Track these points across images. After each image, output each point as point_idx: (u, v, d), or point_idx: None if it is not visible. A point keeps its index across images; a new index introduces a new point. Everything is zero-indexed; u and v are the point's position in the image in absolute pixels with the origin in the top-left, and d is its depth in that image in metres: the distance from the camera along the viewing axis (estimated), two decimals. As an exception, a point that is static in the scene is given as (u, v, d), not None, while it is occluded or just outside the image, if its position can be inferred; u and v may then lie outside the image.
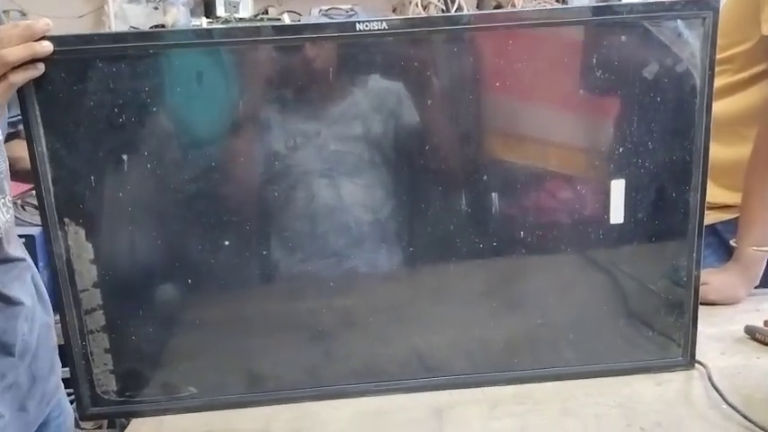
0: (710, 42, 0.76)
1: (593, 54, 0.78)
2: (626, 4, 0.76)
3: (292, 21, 2.44)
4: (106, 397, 0.83)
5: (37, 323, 0.91)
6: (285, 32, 0.75)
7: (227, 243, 0.81)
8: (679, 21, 0.76)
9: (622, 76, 0.78)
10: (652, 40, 0.77)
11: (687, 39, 0.76)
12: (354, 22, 0.73)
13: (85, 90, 0.74)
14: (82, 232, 0.78)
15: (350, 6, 2.50)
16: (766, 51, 1.03)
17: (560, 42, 0.78)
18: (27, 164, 0.77)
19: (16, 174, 0.90)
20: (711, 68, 0.77)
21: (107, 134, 0.76)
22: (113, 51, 0.74)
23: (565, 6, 1.95)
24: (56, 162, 0.76)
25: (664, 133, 0.80)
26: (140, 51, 0.74)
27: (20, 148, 0.87)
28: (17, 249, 0.89)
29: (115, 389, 0.83)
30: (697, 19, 0.76)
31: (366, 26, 0.73)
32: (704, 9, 0.76)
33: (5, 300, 0.85)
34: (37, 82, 0.73)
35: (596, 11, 0.77)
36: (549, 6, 2.37)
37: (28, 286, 0.91)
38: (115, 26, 2.44)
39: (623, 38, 0.77)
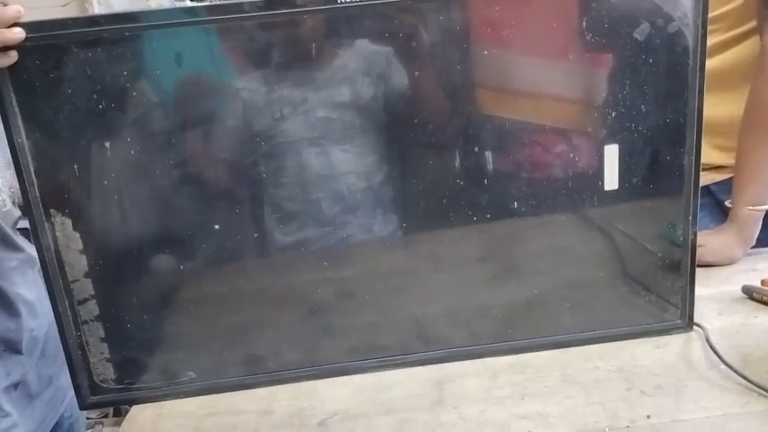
0: (703, 1, 0.74)
1: (583, 16, 0.76)
2: (615, -36, 0.73)
3: None
4: (105, 385, 0.83)
5: (46, 319, 0.90)
6: (271, 8, 0.72)
7: (217, 227, 0.79)
8: (670, -21, 0.74)
9: (613, 37, 0.76)
10: (643, 1, 0.74)
11: (678, -2, 0.74)
12: (336, -5, 0.71)
13: (63, 77, 0.72)
14: (69, 223, 0.77)
15: None
16: (755, 8, 1.02)
17: (550, 3, 0.76)
18: None
19: None
20: (704, 28, 0.75)
21: (88, 121, 0.74)
22: (89, 36, 0.71)
23: None
24: (37, 153, 0.74)
25: (657, 95, 0.78)
26: (116, 34, 0.71)
27: None
28: (19, 241, 0.88)
29: (113, 377, 0.83)
30: (688, -24, 0.74)
31: (348, -2, 0.71)
32: (696, -34, 0.73)
33: (9, 295, 0.84)
34: (11, 70, 0.71)
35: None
36: None
37: (31, 279, 0.90)
38: (99, 13, 2.40)
39: (613, -1, 0.75)
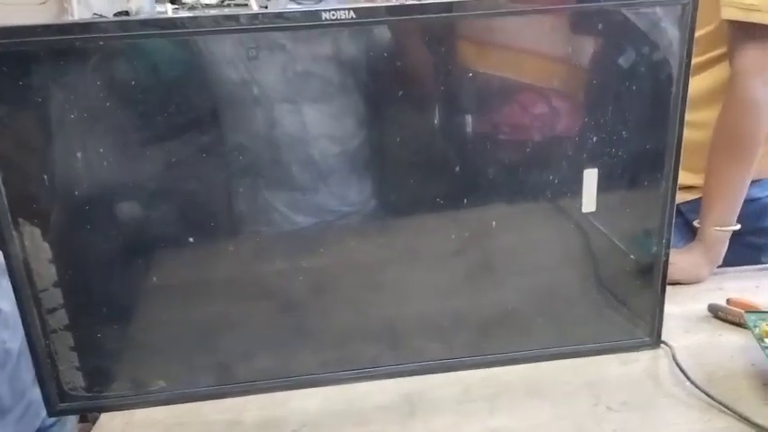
0: (689, 31, 0.74)
1: (568, 41, 0.75)
2: (604, -9, 0.72)
3: (260, 6, 2.33)
4: (74, 393, 0.82)
5: (20, 331, 0.88)
6: (248, 23, 0.70)
7: (191, 240, 0.78)
8: (658, 8, 0.73)
9: (597, 63, 0.76)
10: (630, 28, 0.74)
11: (665, 27, 0.74)
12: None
13: (32, 85, 0.69)
14: (38, 232, 0.74)
15: None
16: (726, 35, 1.02)
17: (537, 29, 0.75)
18: None
19: None
20: (688, 57, 0.75)
21: (58, 130, 0.72)
22: (60, 44, 0.68)
23: None
24: (5, 161, 0.71)
25: (638, 122, 0.78)
26: (89, 43, 0.69)
27: None
28: None
29: (83, 385, 0.82)
30: (676, 6, 0.73)
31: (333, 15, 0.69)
32: (683, -4, 0.73)
33: None
34: (-22, 77, 0.68)
35: (576, -3, 0.74)
36: None
37: (5, 290, 0.87)
38: (78, 12, 2.32)
39: (600, 25, 0.74)
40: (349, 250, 0.83)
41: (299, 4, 2.29)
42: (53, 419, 0.95)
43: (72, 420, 1.07)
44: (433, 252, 0.84)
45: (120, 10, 2.36)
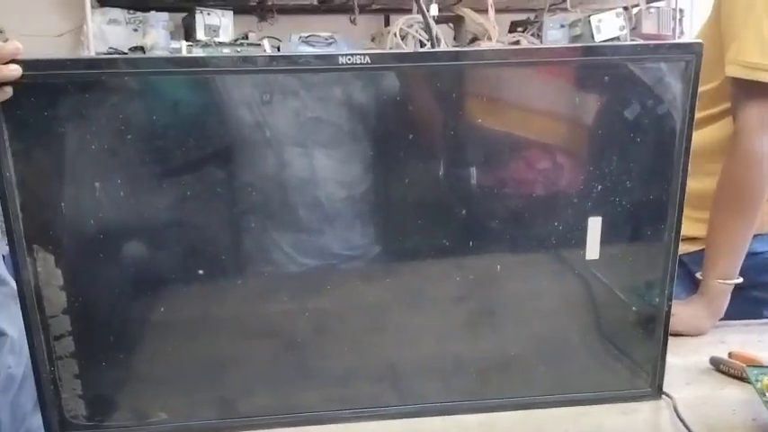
0: (692, 86, 0.76)
1: (575, 93, 0.77)
2: (612, 46, 0.75)
3: (272, 47, 2.41)
4: (75, 421, 0.82)
5: (24, 357, 0.89)
6: (266, 64, 0.73)
7: (201, 272, 0.79)
8: (663, 64, 0.76)
9: (603, 115, 0.78)
10: (635, 82, 0.76)
11: (669, 82, 0.77)
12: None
13: (56, 115, 0.72)
14: (51, 259, 0.76)
15: (329, 34, 2.48)
16: (730, 91, 1.05)
17: (544, 80, 0.78)
18: None
19: None
20: (692, 111, 0.78)
21: (79, 161, 0.74)
22: (86, 77, 0.71)
23: (552, 46, 1.98)
24: (24, 188, 0.73)
25: (642, 173, 0.80)
26: (114, 78, 0.71)
27: None
28: (2, 272, 0.86)
29: (85, 414, 0.82)
30: (680, 62, 0.76)
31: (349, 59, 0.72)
32: (687, 53, 0.76)
33: None
34: (5, 106, 0.70)
35: (584, 51, 0.76)
36: (525, 41, 2.41)
37: (14, 316, 0.88)
38: (94, 46, 2.39)
39: (606, 78, 0.76)
40: (353, 292, 0.84)
41: (311, 46, 2.36)
42: None
43: None
44: (437, 296, 0.85)
45: (135, 45, 2.42)
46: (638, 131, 0.79)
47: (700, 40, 0.76)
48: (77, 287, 0.78)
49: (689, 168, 0.81)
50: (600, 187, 0.80)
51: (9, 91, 0.69)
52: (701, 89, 0.78)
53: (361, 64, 0.72)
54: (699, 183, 0.96)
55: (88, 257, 0.78)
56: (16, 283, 0.76)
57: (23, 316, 0.77)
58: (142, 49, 2.33)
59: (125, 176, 0.75)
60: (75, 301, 0.78)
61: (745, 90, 1.02)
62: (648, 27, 2.94)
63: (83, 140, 0.73)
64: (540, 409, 0.88)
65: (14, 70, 0.68)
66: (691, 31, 3.20)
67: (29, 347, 0.79)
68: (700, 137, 0.90)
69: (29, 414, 0.91)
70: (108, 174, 0.75)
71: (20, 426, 0.89)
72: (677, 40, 2.56)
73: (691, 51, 0.76)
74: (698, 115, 0.79)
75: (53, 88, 0.71)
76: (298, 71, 0.73)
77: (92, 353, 0.80)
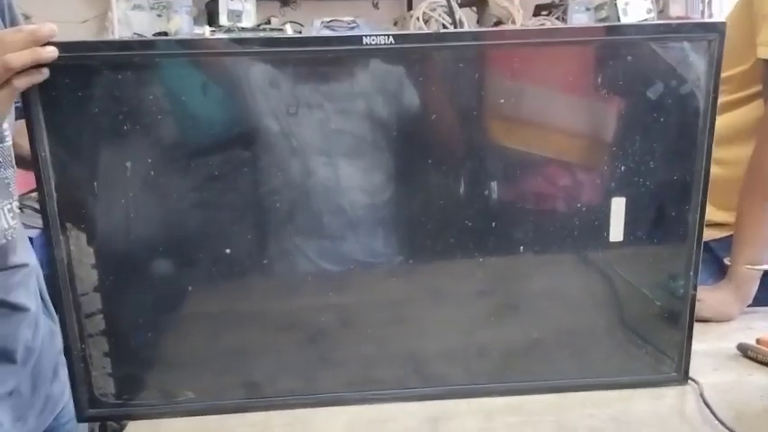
0: (715, 65, 0.76)
1: (598, 73, 0.78)
2: (634, 25, 0.76)
3: (294, 32, 2.44)
4: (104, 399, 0.84)
5: (41, 329, 0.91)
6: (293, 45, 0.75)
7: (228, 251, 0.81)
8: (686, 43, 0.76)
9: (627, 95, 0.78)
10: (658, 61, 0.77)
11: (693, 61, 0.77)
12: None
13: (90, 96, 0.74)
14: (83, 237, 0.78)
15: (351, 18, 2.51)
16: (761, 73, 1.05)
17: (567, 59, 0.78)
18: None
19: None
20: (715, 91, 0.78)
21: (111, 141, 0.76)
22: (119, 59, 0.73)
23: (576, 26, 1.97)
24: (59, 167, 0.76)
25: (666, 153, 0.80)
26: (147, 60, 0.74)
27: None
28: (23, 255, 0.89)
29: (113, 392, 0.84)
30: (703, 42, 0.76)
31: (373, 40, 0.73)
32: (711, 32, 0.76)
33: (9, 306, 0.85)
34: (41, 87, 0.73)
35: (607, 30, 0.77)
36: (550, 24, 2.41)
37: (32, 291, 0.91)
38: (118, 32, 2.44)
39: (629, 58, 0.77)
40: (377, 291, 0.86)
41: (334, 30, 2.39)
42: (67, 418, 0.97)
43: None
44: (462, 290, 0.86)
45: (158, 31, 2.46)
46: (661, 111, 0.79)
47: (723, 20, 0.76)
48: (109, 266, 0.80)
49: (717, 153, 0.81)
50: (623, 168, 0.81)
51: (45, 72, 0.72)
52: (730, 72, 0.78)
53: (385, 44, 0.74)
54: (727, 168, 0.95)
55: (119, 237, 0.80)
56: (49, 261, 0.78)
57: (55, 294, 0.79)
58: (166, 34, 2.37)
59: (156, 157, 0.77)
60: (107, 279, 0.80)
61: None
62: (676, 10, 2.89)
63: (115, 121, 0.75)
64: (565, 393, 0.88)
65: (51, 52, 0.71)
66: (720, 14, 3.12)
67: (60, 325, 0.81)
68: (729, 120, 0.90)
69: (48, 382, 0.93)
70: (139, 154, 0.77)
71: (41, 394, 0.92)
72: (700, 19, 2.53)
73: (714, 30, 0.76)
74: (727, 99, 0.79)
75: (88, 70, 0.74)
76: (322, 52, 0.75)
77: (121, 331, 0.82)
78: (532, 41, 0.76)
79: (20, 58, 0.69)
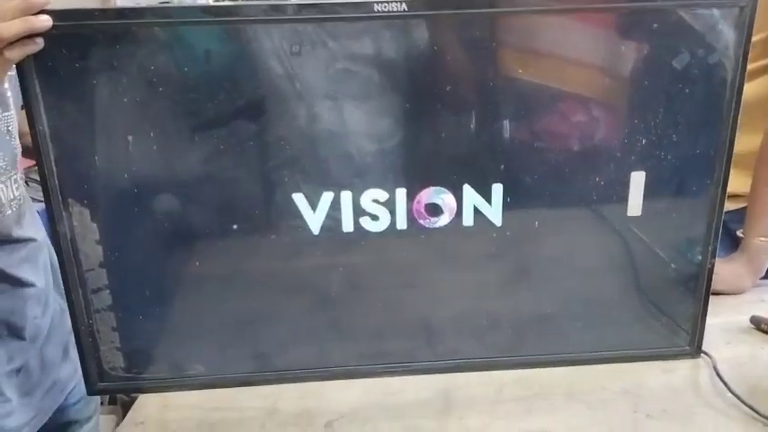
0: (746, 34, 0.72)
1: (622, 41, 0.74)
2: (661, -9, 0.71)
3: None
4: (113, 373, 0.83)
5: (51, 307, 0.90)
6: (303, 12, 0.71)
7: (235, 227, 0.79)
8: (715, 10, 0.72)
9: (651, 64, 0.75)
10: (685, 30, 0.73)
11: (722, 29, 0.73)
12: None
13: (88, 67, 0.71)
14: (87, 213, 0.76)
15: None
16: None
17: (589, 27, 0.74)
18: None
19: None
20: (744, 60, 0.74)
21: (111, 113, 0.73)
22: (117, 28, 0.69)
23: None
24: (58, 141, 0.73)
25: (690, 125, 0.77)
26: (145, 29, 0.70)
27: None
28: (29, 229, 0.87)
29: (122, 365, 0.83)
30: (734, 8, 0.72)
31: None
32: (742, -2, 0.72)
33: (13, 281, 0.83)
34: (36, 58, 0.69)
35: (630, -4, 0.73)
36: None
37: (41, 268, 0.89)
38: (123, 1, 2.36)
39: (655, 25, 0.73)
40: (388, 248, 0.83)
41: None
42: (77, 398, 0.97)
43: (96, 401, 1.09)
44: (473, 253, 0.84)
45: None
46: (686, 82, 0.75)
47: (756, -15, 0.72)
48: (113, 241, 0.78)
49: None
50: (644, 141, 0.77)
51: (40, 42, 0.68)
52: (753, 38, 0.74)
53: (397, 12, 0.70)
54: (745, 138, 0.92)
55: (123, 211, 0.77)
56: (52, 237, 0.77)
57: (61, 270, 0.78)
58: (168, 2, 2.31)
59: (157, 129, 0.74)
60: (112, 254, 0.78)
61: None
62: None
63: (115, 92, 0.72)
64: (577, 366, 0.87)
65: (45, 20, 0.67)
66: None
67: (66, 301, 0.79)
68: (749, 89, 0.86)
69: (57, 365, 0.92)
70: (140, 126, 0.74)
71: (50, 372, 0.91)
72: None
73: (746, -4, 0.71)
74: (748, 66, 0.75)
75: (84, 39, 0.70)
76: (333, 20, 0.71)
77: (128, 306, 0.81)
78: (555, 8, 0.72)
79: (11, 27, 0.65)
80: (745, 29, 0.73)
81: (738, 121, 0.77)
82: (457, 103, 0.76)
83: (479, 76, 0.76)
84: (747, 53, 0.74)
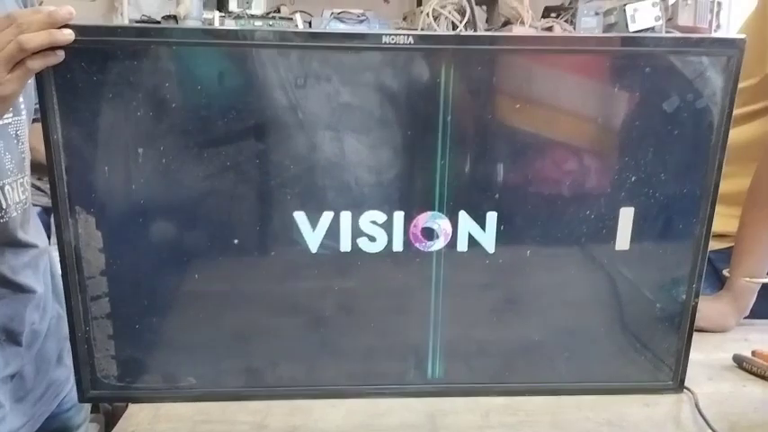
0: (733, 81, 0.76)
1: (615, 83, 0.78)
2: (654, 38, 0.76)
3: (304, 21, 2.42)
4: (106, 381, 0.84)
5: (48, 313, 0.91)
6: (314, 40, 0.74)
7: (236, 242, 0.81)
8: (704, 58, 0.76)
9: (642, 106, 0.78)
10: (676, 75, 0.77)
11: (710, 76, 0.77)
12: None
13: (105, 81, 0.74)
14: (92, 221, 0.78)
15: (361, 11, 2.49)
16: None
17: (585, 68, 0.78)
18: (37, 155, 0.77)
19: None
20: (731, 106, 0.78)
21: (124, 126, 0.76)
22: (137, 45, 0.73)
23: (594, 35, 1.97)
24: (70, 150, 0.75)
25: (677, 166, 0.80)
26: (164, 47, 0.73)
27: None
28: (33, 235, 0.89)
29: (116, 374, 0.84)
30: (722, 57, 0.76)
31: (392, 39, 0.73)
32: (730, 48, 0.76)
33: (14, 287, 0.85)
34: (56, 69, 0.72)
35: (626, 41, 0.77)
36: (558, 27, 2.40)
37: (42, 274, 0.90)
38: (128, 13, 2.41)
39: (647, 69, 0.77)
40: (381, 274, 0.85)
41: (343, 22, 2.37)
42: (69, 405, 0.97)
43: (86, 409, 1.09)
44: (465, 278, 0.86)
45: (168, 14, 2.44)
46: (675, 124, 0.79)
47: (743, 36, 0.76)
48: (116, 250, 0.80)
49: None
50: (634, 178, 0.81)
51: (61, 55, 0.71)
52: (740, 85, 0.78)
53: (404, 44, 0.73)
54: (732, 180, 0.95)
55: (128, 222, 0.79)
56: (57, 242, 0.78)
57: (63, 275, 0.80)
58: (174, 18, 2.35)
59: (167, 144, 0.77)
60: (114, 263, 0.80)
61: None
62: (685, 19, 2.88)
63: (128, 107, 0.75)
64: (562, 396, 0.89)
65: (68, 35, 0.70)
66: (728, 25, 3.13)
67: (66, 306, 0.81)
68: (736, 134, 0.90)
69: (52, 367, 0.93)
70: (151, 140, 0.77)
71: (43, 378, 0.92)
72: (720, 35, 2.52)
73: (734, 46, 0.76)
74: (735, 112, 0.79)
75: (103, 54, 0.73)
76: (339, 48, 0.74)
77: (126, 315, 0.82)
78: (556, 48, 0.76)
79: (35, 39, 0.68)
80: (733, 76, 0.77)
81: (726, 164, 0.81)
82: (455, 135, 0.79)
83: (479, 112, 0.79)
84: (734, 99, 0.78)
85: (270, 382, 0.87)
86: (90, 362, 0.83)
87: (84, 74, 0.73)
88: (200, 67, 0.75)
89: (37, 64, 0.70)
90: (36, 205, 0.94)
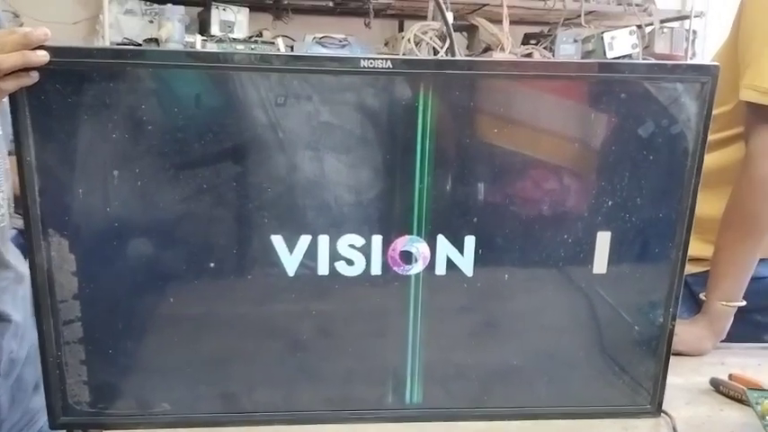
0: (707, 107, 0.77)
1: (590, 108, 0.79)
2: (629, 64, 0.77)
3: (286, 46, 2.43)
4: (78, 407, 0.82)
5: (27, 341, 0.89)
6: (292, 63, 0.74)
7: (212, 265, 0.80)
8: (679, 84, 0.77)
9: (618, 131, 0.79)
10: (651, 101, 0.78)
11: (685, 102, 0.78)
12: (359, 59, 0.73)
13: (80, 103, 0.73)
14: (66, 244, 0.77)
15: (343, 36, 2.52)
16: (744, 115, 1.06)
17: (561, 94, 0.79)
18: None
19: None
20: (705, 132, 0.79)
21: (99, 148, 0.75)
22: (112, 67, 0.72)
23: (571, 61, 2.00)
24: (44, 172, 0.74)
25: (653, 190, 0.81)
26: (140, 69, 0.72)
27: None
28: (12, 256, 0.87)
29: (88, 400, 0.82)
30: (696, 84, 0.77)
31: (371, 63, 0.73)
32: (704, 75, 0.77)
33: None
34: (30, 90, 0.71)
35: (603, 67, 0.78)
36: (537, 54, 2.45)
37: (20, 300, 0.89)
38: (109, 36, 2.41)
39: (623, 95, 0.77)
40: (362, 294, 0.85)
41: (325, 47, 2.39)
42: None
43: None
44: (444, 302, 0.86)
45: (149, 37, 2.44)
46: (650, 150, 0.80)
47: (716, 63, 0.77)
48: (89, 274, 0.78)
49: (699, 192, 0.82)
50: (611, 202, 0.81)
51: (35, 76, 0.70)
52: (715, 112, 0.79)
53: (383, 68, 0.73)
54: (708, 205, 0.96)
55: (102, 245, 0.78)
56: (29, 266, 0.77)
57: (34, 299, 0.78)
58: (156, 41, 2.35)
59: (142, 166, 0.76)
60: (87, 287, 0.79)
61: (759, 115, 1.03)
62: (661, 47, 2.95)
63: (104, 129, 0.74)
64: (540, 420, 0.89)
65: (42, 56, 0.69)
66: (703, 53, 3.22)
67: (38, 331, 0.79)
68: (711, 159, 0.92)
69: (29, 396, 0.91)
70: (126, 163, 0.76)
71: (19, 407, 0.90)
72: (694, 62, 2.58)
73: (707, 73, 0.77)
74: (710, 138, 0.80)
75: (78, 76, 0.72)
76: (318, 71, 0.74)
77: (99, 340, 0.81)
78: (535, 74, 0.77)
79: (8, 59, 0.68)
80: (707, 102, 0.78)
81: (701, 189, 0.81)
82: (434, 160, 0.79)
83: (457, 136, 0.80)
84: (708, 126, 0.79)
85: (246, 407, 0.86)
86: (62, 387, 0.81)
87: (59, 95, 0.72)
88: (178, 88, 0.74)
89: (10, 85, 0.70)
90: (13, 228, 0.93)
